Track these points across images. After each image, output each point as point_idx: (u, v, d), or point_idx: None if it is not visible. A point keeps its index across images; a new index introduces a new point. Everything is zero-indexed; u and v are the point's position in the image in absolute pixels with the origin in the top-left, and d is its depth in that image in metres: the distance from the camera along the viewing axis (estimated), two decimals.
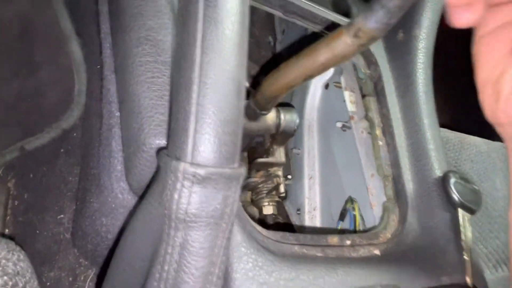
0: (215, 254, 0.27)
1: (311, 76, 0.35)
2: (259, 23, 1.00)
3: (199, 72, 0.26)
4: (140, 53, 0.35)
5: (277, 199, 0.65)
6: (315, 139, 0.72)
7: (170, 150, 0.27)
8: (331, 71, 0.70)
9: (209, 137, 0.26)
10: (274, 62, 0.86)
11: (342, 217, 0.63)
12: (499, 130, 0.32)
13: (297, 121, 0.54)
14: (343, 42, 0.29)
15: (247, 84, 0.29)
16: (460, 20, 0.25)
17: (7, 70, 0.63)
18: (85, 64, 0.64)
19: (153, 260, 0.28)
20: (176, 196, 0.26)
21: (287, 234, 0.40)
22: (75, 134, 0.66)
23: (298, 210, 0.71)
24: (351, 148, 0.61)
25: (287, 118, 0.53)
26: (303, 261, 0.35)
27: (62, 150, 0.66)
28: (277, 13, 0.53)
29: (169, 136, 0.28)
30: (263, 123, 0.52)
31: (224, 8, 0.27)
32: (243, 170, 0.28)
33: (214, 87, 0.26)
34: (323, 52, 0.31)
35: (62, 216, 0.63)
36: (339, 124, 0.65)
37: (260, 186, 0.64)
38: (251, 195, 0.68)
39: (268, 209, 0.65)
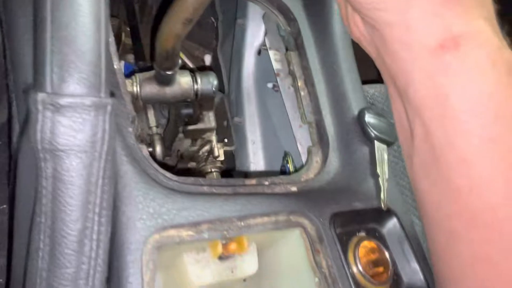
0: (92, 183, 0.28)
1: (188, 19, 0.36)
2: None
3: (51, 6, 0.27)
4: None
5: (219, 164, 0.66)
6: (254, 105, 0.74)
7: (33, 86, 0.28)
8: (260, 36, 0.71)
9: (66, 68, 0.27)
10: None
11: (282, 173, 0.65)
12: (365, 49, 0.34)
13: (215, 82, 0.55)
14: None
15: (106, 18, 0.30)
16: None
17: None
18: None
19: (34, 197, 0.29)
20: (39, 127, 0.27)
21: (201, 179, 0.41)
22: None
23: (245, 176, 0.73)
24: (282, 105, 0.63)
25: (203, 80, 0.54)
26: (205, 196, 0.37)
27: (0, 143, 0.66)
28: None
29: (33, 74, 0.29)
30: (178, 88, 0.53)
31: None
32: (110, 100, 0.29)
33: (67, 20, 0.27)
34: None
35: (4, 206, 0.63)
36: (270, 85, 0.67)
37: (198, 154, 0.65)
38: (196, 165, 0.69)
39: (211, 176, 0.66)
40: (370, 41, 0.31)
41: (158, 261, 0.32)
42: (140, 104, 0.59)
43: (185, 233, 0.33)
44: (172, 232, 0.32)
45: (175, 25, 0.37)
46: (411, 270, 0.43)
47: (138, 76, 0.53)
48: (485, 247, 0.28)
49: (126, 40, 0.85)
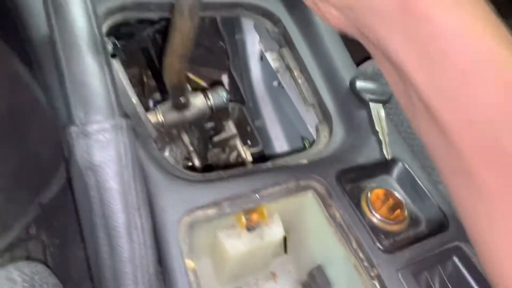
0: (126, 186, 0.37)
1: (182, 55, 0.44)
2: (205, 33, 1.11)
3: (66, 64, 0.37)
4: None
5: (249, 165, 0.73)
6: (269, 105, 0.81)
7: (66, 123, 0.37)
8: (256, 45, 0.79)
9: (86, 104, 0.36)
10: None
11: None
12: (345, 31, 0.37)
13: (224, 94, 0.63)
14: (177, 20, 0.39)
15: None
16: None
17: (6, 145, 0.78)
18: None
19: (89, 205, 0.37)
20: (77, 152, 0.36)
21: (222, 171, 0.48)
22: None
23: None
24: (289, 97, 0.69)
25: (214, 96, 0.62)
26: (224, 181, 0.44)
27: (69, 194, 0.79)
28: None
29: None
30: (195, 109, 0.62)
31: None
32: (124, 120, 0.37)
33: (79, 71, 0.36)
34: (174, 36, 0.41)
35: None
36: (275, 83, 0.74)
37: (230, 161, 0.73)
38: None
39: None
40: (347, 23, 0.33)
41: (195, 237, 0.39)
42: (174, 132, 0.68)
43: (210, 211, 0.40)
44: (199, 212, 0.40)
45: (173, 63, 0.45)
46: (427, 206, 0.47)
47: (159, 107, 0.63)
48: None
49: (150, 81, 0.97)
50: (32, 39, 0.48)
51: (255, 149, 0.78)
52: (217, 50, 1.15)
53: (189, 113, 0.63)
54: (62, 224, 0.80)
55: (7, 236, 0.80)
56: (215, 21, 0.95)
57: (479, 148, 0.27)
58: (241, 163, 0.73)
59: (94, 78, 0.37)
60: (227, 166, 0.75)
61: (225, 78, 1.05)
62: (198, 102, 0.64)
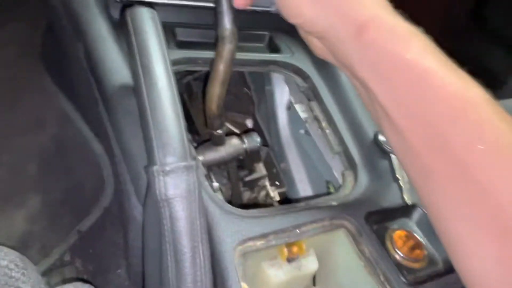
0: (193, 217, 0.44)
1: (223, 81, 0.52)
2: (232, 81, 1.21)
3: (150, 113, 0.45)
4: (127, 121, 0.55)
5: (276, 204, 0.80)
6: (294, 150, 0.89)
7: (148, 163, 0.45)
8: (286, 95, 0.88)
9: (166, 148, 0.44)
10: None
11: None
12: (327, 59, 0.44)
13: (258, 139, 0.71)
14: (221, 50, 0.48)
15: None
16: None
17: (52, 176, 0.86)
18: (105, 154, 0.86)
19: (159, 233, 0.44)
20: (157, 187, 0.43)
21: (263, 209, 0.55)
22: (113, 208, 0.86)
23: None
24: (315, 145, 0.77)
25: (249, 139, 0.71)
26: (268, 217, 0.51)
27: (107, 223, 0.85)
28: None
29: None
30: (230, 148, 0.69)
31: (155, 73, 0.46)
32: (194, 162, 0.45)
33: (161, 119, 0.45)
34: (218, 63, 0.49)
35: (119, 270, 0.80)
36: (302, 131, 0.82)
37: (258, 200, 0.80)
38: None
39: None
40: (326, 51, 0.41)
41: (245, 265, 0.46)
42: (205, 172, 0.76)
43: (259, 243, 0.47)
44: (250, 243, 0.46)
45: (215, 88, 0.53)
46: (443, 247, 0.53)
47: (200, 147, 0.71)
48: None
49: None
50: (107, 89, 0.57)
51: (279, 190, 0.85)
52: (242, 96, 1.26)
53: (225, 151, 0.71)
54: (97, 251, 0.85)
55: (45, 262, 0.85)
56: (242, 71, 1.05)
57: (429, 144, 0.33)
58: (269, 203, 0.80)
59: (173, 126, 0.45)
60: (256, 205, 0.82)
61: (249, 122, 1.14)
62: (234, 143, 0.72)
